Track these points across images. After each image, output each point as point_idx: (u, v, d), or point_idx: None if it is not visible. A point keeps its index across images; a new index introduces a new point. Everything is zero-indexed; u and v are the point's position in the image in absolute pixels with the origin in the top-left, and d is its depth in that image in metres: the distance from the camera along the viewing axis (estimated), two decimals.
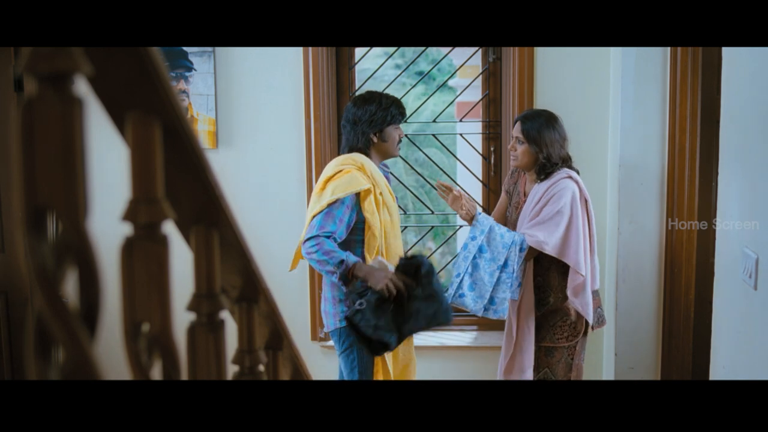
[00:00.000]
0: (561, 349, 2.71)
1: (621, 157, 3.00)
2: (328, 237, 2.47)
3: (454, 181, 3.95)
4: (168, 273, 0.72)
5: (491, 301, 2.59)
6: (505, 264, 2.58)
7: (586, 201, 2.65)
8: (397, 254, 2.66)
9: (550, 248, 2.57)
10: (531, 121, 2.65)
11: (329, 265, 2.45)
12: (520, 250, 2.58)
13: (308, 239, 2.47)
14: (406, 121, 3.58)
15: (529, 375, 2.71)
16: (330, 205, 2.49)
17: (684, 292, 2.94)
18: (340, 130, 2.90)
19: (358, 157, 2.60)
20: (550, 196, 2.60)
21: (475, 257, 2.62)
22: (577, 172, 2.69)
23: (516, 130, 2.68)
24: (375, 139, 2.63)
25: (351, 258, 2.46)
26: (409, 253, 2.92)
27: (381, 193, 2.59)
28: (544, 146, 2.61)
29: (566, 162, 2.68)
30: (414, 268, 2.45)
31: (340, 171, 2.55)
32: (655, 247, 3.01)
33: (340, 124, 2.73)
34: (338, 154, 2.75)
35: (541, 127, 2.62)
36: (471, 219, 2.67)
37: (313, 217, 2.52)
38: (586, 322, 2.73)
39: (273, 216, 3.36)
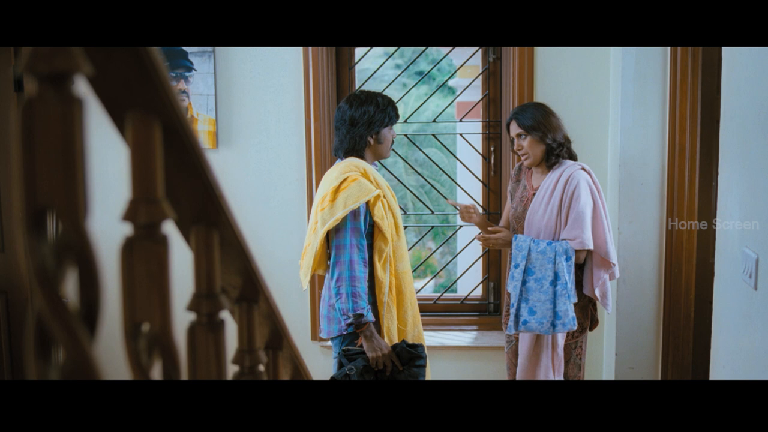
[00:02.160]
0: (568, 347, 2.72)
1: (621, 157, 3.00)
2: (363, 266, 2.49)
3: (454, 181, 3.95)
4: (168, 273, 0.72)
5: (556, 316, 2.57)
6: (557, 277, 2.57)
7: (598, 191, 2.66)
8: (404, 255, 2.66)
9: (589, 244, 2.58)
10: (522, 113, 2.67)
11: (347, 307, 2.48)
12: (566, 259, 2.56)
13: (347, 271, 2.47)
14: (406, 121, 3.59)
15: (551, 375, 2.70)
16: (351, 218, 2.47)
17: (684, 292, 2.94)
18: None
19: (359, 163, 2.56)
20: (571, 192, 2.60)
21: (525, 281, 2.60)
22: (576, 158, 2.73)
23: (513, 129, 2.68)
24: (372, 141, 2.59)
25: (369, 316, 2.49)
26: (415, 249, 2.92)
27: (384, 196, 2.58)
28: (546, 130, 2.63)
29: (568, 143, 2.70)
30: (410, 357, 2.54)
31: (346, 179, 2.49)
32: (655, 247, 3.01)
33: (334, 125, 2.69)
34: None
35: (535, 114, 2.65)
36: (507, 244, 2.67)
37: (328, 231, 2.50)
38: (592, 318, 2.74)
39: (273, 216, 3.36)
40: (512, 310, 2.62)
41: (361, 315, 2.47)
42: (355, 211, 2.47)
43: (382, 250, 2.55)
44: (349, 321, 2.50)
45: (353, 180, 2.49)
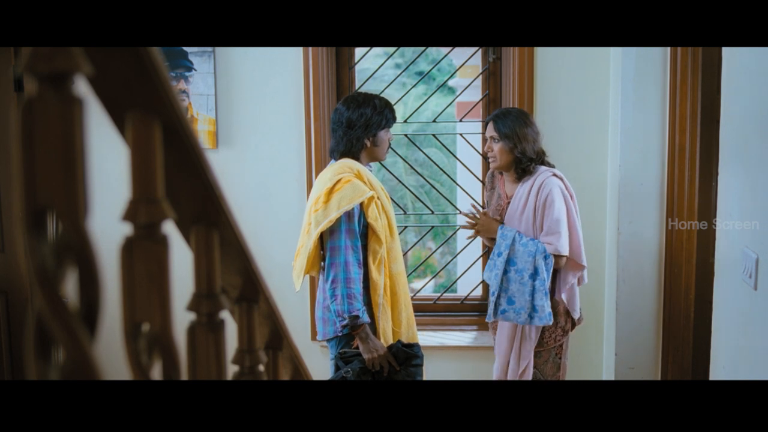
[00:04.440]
0: (549, 349, 2.74)
1: (621, 158, 3.00)
2: (358, 267, 2.49)
3: (454, 181, 3.95)
4: (168, 273, 0.72)
5: (533, 309, 2.60)
6: (536, 272, 2.59)
7: (571, 196, 2.67)
8: (398, 256, 2.65)
9: (564, 251, 2.60)
10: (502, 118, 2.67)
11: (343, 308, 2.47)
12: (545, 257, 2.58)
13: (342, 272, 2.46)
14: (405, 121, 3.59)
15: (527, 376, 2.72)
16: (345, 220, 2.47)
17: (684, 292, 2.94)
18: None
19: (353, 164, 2.55)
20: (543, 199, 2.61)
21: (506, 272, 2.63)
22: (552, 166, 2.73)
23: (489, 130, 2.69)
24: (368, 144, 2.58)
25: (364, 317, 2.49)
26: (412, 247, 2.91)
27: (378, 198, 2.57)
28: (518, 141, 2.63)
29: (541, 156, 2.70)
30: (406, 356, 2.54)
31: (340, 180, 2.49)
32: (655, 247, 3.01)
33: (330, 126, 2.68)
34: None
35: (513, 123, 2.65)
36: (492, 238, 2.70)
37: (322, 232, 2.49)
38: (572, 320, 2.76)
39: (273, 216, 3.36)
40: (492, 299, 2.67)
41: (357, 317, 2.46)
42: (349, 212, 2.47)
43: (377, 251, 2.54)
44: (345, 323, 2.49)
45: (347, 181, 2.48)
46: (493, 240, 2.71)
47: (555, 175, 2.66)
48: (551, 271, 2.62)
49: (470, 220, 2.75)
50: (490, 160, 2.72)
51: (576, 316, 2.75)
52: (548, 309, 2.60)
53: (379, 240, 2.54)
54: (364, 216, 2.52)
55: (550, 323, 2.63)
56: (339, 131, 2.59)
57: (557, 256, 2.62)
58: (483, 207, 3.47)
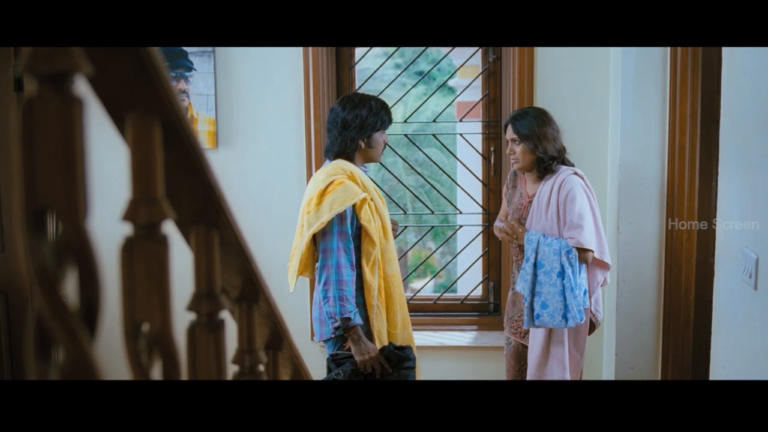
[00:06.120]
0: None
1: (621, 157, 3.00)
2: (350, 269, 2.48)
3: (454, 181, 3.95)
4: (168, 273, 0.72)
5: (566, 309, 2.58)
6: (562, 270, 2.57)
7: (592, 194, 2.67)
8: (393, 258, 2.65)
9: (586, 243, 2.58)
10: (521, 119, 2.66)
11: (335, 310, 2.46)
12: (568, 252, 2.57)
13: (334, 274, 2.46)
14: (405, 121, 3.59)
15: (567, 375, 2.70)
16: (338, 222, 2.46)
17: (684, 292, 2.94)
18: None
19: (346, 166, 2.54)
20: (565, 195, 2.60)
21: (536, 275, 2.61)
22: (573, 165, 2.72)
23: (509, 133, 2.69)
24: (363, 145, 2.57)
25: (356, 319, 2.48)
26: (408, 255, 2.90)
27: (372, 199, 2.57)
28: (539, 141, 2.63)
29: (562, 154, 2.69)
30: (398, 359, 2.53)
31: (332, 182, 2.48)
32: (655, 247, 3.01)
33: (326, 127, 2.67)
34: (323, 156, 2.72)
35: (532, 123, 2.64)
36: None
37: (315, 235, 2.49)
38: (591, 322, 2.75)
39: (273, 216, 3.36)
40: (526, 304, 2.64)
41: (349, 318, 2.45)
42: (341, 214, 2.46)
43: (370, 253, 2.54)
44: (337, 325, 2.48)
45: (339, 183, 2.48)
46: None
47: (576, 173, 2.66)
48: (577, 265, 2.59)
49: (507, 232, 2.74)
50: (512, 161, 2.71)
51: (600, 317, 2.74)
52: (578, 307, 2.57)
53: (373, 242, 2.53)
54: (356, 218, 2.52)
55: (582, 322, 2.60)
56: (334, 131, 2.59)
57: (582, 250, 2.59)
58: (485, 208, 3.46)
